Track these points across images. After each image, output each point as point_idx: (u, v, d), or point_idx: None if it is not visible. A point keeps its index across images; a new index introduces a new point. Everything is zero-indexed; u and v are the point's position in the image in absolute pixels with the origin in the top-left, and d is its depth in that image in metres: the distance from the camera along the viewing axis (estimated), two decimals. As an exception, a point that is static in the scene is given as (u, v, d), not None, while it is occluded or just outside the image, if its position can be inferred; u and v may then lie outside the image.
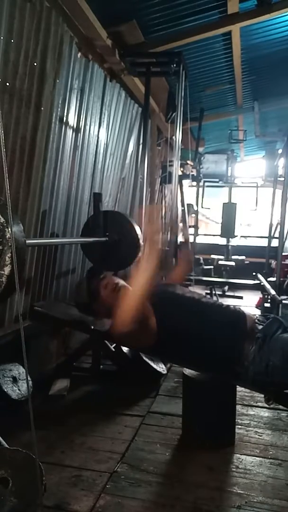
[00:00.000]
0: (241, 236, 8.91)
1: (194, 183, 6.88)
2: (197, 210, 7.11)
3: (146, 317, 1.65)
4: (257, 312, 4.01)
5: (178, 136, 4.09)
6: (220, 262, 7.17)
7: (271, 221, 6.54)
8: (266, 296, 4.97)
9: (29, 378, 1.54)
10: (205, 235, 9.02)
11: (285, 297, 3.90)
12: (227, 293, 6.24)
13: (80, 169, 3.27)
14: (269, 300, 4.76)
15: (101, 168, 3.71)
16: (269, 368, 1.78)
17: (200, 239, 7.33)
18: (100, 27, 3.16)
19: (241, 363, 1.85)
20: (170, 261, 4.33)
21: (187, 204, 6.45)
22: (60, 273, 3.17)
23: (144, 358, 2.76)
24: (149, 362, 2.79)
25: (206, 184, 7.67)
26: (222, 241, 7.95)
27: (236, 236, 8.05)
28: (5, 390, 2.22)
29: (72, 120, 3.05)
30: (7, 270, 1.40)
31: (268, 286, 4.74)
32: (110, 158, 3.92)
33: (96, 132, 3.50)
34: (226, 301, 4.91)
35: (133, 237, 3.22)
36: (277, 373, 1.78)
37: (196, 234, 6.92)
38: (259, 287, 5.29)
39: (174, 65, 3.76)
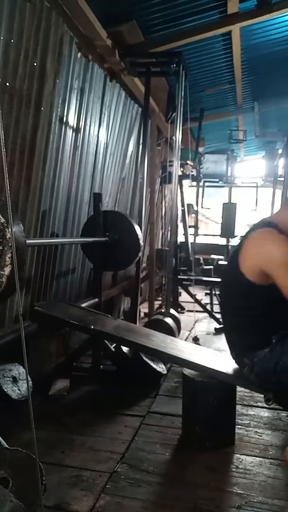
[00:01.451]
0: (241, 236, 8.90)
1: (194, 183, 6.87)
2: (197, 210, 7.11)
3: None
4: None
5: (178, 136, 4.08)
6: (220, 262, 7.16)
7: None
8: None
9: (29, 378, 1.54)
10: (205, 235, 9.01)
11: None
12: (227, 293, 6.22)
13: (80, 169, 3.27)
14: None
15: (101, 168, 3.71)
16: (278, 366, 1.82)
17: (200, 239, 7.33)
18: (100, 27, 3.16)
19: (250, 356, 1.89)
20: (170, 261, 4.34)
21: (187, 204, 6.45)
22: (60, 273, 3.17)
23: (144, 358, 2.76)
24: (149, 362, 2.79)
25: (206, 184, 7.66)
26: (222, 241, 7.95)
27: (236, 236, 8.05)
28: (5, 390, 2.22)
29: (72, 120, 3.05)
30: (7, 270, 1.40)
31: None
32: (110, 158, 3.92)
33: (96, 132, 3.50)
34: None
35: (133, 237, 3.23)
36: (285, 373, 1.80)
37: (196, 234, 6.91)
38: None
39: (174, 65, 3.75)
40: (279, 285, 1.78)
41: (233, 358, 2.07)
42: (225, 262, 7.10)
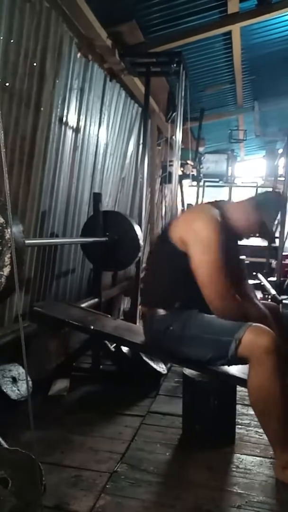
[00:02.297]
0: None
1: (194, 183, 6.88)
2: (197, 210, 7.10)
3: None
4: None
5: (178, 136, 4.09)
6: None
7: (271, 221, 6.51)
8: (266, 296, 4.97)
9: (28, 378, 1.54)
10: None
11: (285, 297, 3.90)
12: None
13: (80, 169, 3.27)
14: (269, 300, 4.76)
15: (101, 168, 3.71)
16: (167, 331, 1.92)
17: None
18: (100, 27, 3.16)
19: (152, 311, 2.03)
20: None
21: (187, 204, 6.45)
22: (60, 273, 3.17)
23: (144, 358, 2.76)
24: (149, 362, 2.79)
25: (206, 184, 7.67)
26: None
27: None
28: (5, 390, 2.22)
29: (72, 120, 3.05)
30: (6, 270, 1.40)
31: (268, 286, 4.74)
32: (110, 158, 3.92)
33: (96, 132, 3.50)
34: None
35: (133, 237, 3.22)
36: (172, 339, 1.91)
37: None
38: (259, 287, 5.29)
39: (174, 65, 3.76)
40: (191, 259, 1.83)
41: (142, 306, 2.20)
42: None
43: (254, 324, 1.70)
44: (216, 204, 2.03)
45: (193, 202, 7.11)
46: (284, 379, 1.63)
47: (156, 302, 2.04)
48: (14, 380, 2.30)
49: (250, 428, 2.21)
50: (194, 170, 6.35)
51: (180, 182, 5.41)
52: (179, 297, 1.88)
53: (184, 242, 1.88)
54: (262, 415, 1.68)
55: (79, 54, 3.00)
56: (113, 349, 2.91)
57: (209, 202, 2.10)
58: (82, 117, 3.20)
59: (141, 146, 4.39)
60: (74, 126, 3.11)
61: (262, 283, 5.27)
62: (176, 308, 1.96)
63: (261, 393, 1.65)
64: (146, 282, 2.25)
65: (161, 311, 2.00)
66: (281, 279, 4.81)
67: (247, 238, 2.11)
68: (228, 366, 1.87)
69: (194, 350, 1.84)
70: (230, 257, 1.90)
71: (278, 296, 3.91)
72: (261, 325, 1.69)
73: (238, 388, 2.17)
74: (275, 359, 1.59)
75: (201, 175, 7.00)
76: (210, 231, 1.82)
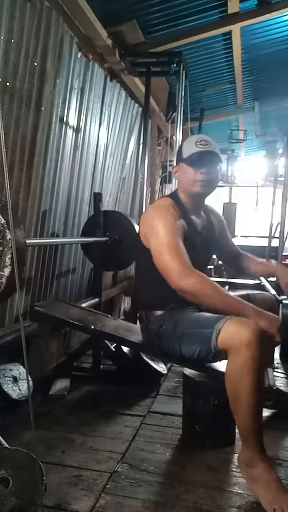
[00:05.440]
0: (241, 236, 8.92)
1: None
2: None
3: None
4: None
5: (179, 136, 4.09)
6: (220, 262, 7.16)
7: (271, 221, 6.54)
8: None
9: (29, 378, 1.54)
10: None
11: (285, 297, 3.90)
12: (227, 293, 6.23)
13: (80, 169, 3.27)
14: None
15: (101, 168, 3.71)
16: (160, 330, 1.95)
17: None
18: (100, 27, 3.16)
19: (148, 314, 2.06)
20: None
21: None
22: (61, 273, 3.17)
23: (144, 358, 2.76)
24: (149, 361, 2.79)
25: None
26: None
27: (236, 236, 8.05)
28: (6, 390, 2.22)
29: (72, 120, 3.05)
30: (7, 271, 1.40)
31: (268, 286, 4.74)
32: (110, 158, 3.92)
33: (97, 132, 3.51)
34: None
35: (134, 237, 3.22)
36: (165, 338, 1.92)
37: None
38: (259, 287, 5.28)
39: (175, 65, 3.77)
40: (152, 253, 1.85)
41: (138, 311, 2.23)
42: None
43: (236, 317, 1.66)
44: (170, 195, 2.09)
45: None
46: (261, 373, 1.59)
47: (151, 305, 2.05)
48: (15, 380, 2.31)
49: (250, 428, 2.21)
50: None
51: (180, 182, 5.40)
52: (173, 297, 1.86)
53: (147, 239, 1.91)
54: (233, 404, 1.65)
55: (79, 54, 3.01)
56: (113, 349, 2.91)
57: (165, 196, 2.15)
58: (83, 117, 3.20)
59: (141, 146, 4.40)
60: (75, 126, 3.11)
61: (262, 283, 5.27)
62: (172, 308, 1.97)
63: (234, 381, 1.60)
64: (138, 288, 2.25)
65: (158, 312, 2.01)
66: (281, 279, 4.79)
67: (201, 195, 2.02)
68: (219, 361, 1.84)
69: (184, 347, 1.84)
70: (195, 244, 1.93)
71: (278, 296, 3.91)
72: (244, 318, 1.65)
73: (238, 388, 2.17)
74: (254, 351, 1.54)
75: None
76: (163, 219, 1.84)
